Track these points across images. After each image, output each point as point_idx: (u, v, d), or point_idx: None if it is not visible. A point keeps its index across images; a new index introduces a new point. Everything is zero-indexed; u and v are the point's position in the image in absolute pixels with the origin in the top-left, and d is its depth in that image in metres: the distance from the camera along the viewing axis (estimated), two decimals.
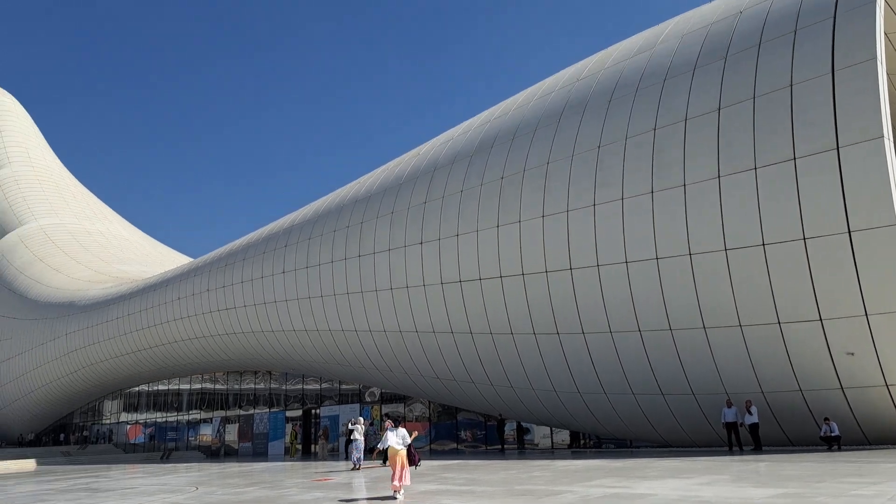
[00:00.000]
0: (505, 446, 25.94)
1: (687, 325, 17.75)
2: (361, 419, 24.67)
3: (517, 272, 21.17)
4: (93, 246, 68.58)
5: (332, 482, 16.02)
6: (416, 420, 30.71)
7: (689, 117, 17.95)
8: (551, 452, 23.98)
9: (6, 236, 68.65)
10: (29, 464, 38.05)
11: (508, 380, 22.85)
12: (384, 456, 23.67)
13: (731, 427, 18.09)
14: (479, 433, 28.23)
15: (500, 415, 25.23)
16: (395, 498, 12.23)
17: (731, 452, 17.77)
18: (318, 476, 18.16)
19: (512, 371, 22.48)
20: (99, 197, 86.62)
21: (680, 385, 18.49)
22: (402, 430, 13.90)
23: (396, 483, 12.46)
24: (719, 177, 17.13)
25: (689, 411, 18.88)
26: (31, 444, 57.43)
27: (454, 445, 28.78)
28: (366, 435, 23.86)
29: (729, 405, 18.02)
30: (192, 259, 52.12)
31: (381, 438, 21.17)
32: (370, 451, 21.39)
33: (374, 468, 21.02)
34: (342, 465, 23.76)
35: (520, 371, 22.20)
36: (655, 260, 17.99)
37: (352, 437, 22.83)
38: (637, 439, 21.86)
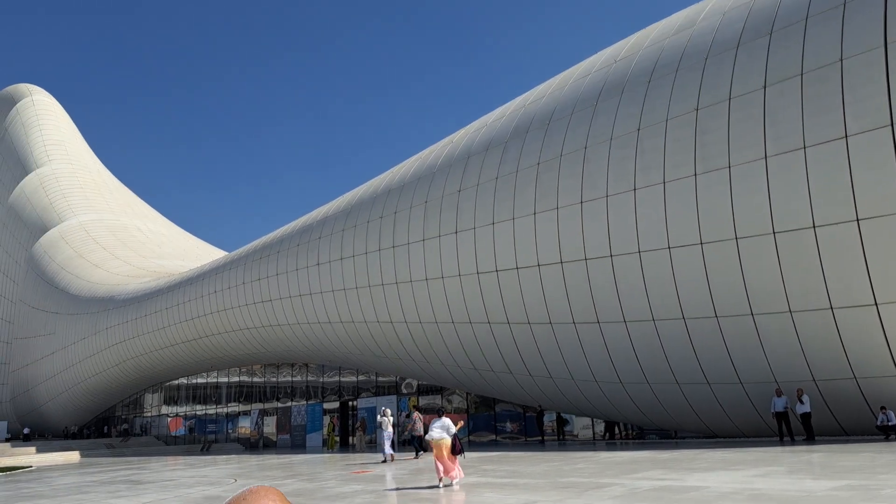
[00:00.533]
0: (545, 438, 25.56)
1: (734, 312, 17.15)
2: (388, 411, 24.37)
3: (555, 260, 20.71)
4: (131, 241, 69.67)
5: (371, 475, 15.84)
6: (454, 412, 30.47)
7: (732, 96, 17.28)
8: (592, 444, 23.54)
9: (48, 233, 70.06)
10: (73, 455, 38.80)
11: (547, 370, 22.44)
12: (416, 447, 23.65)
13: (782, 417, 17.46)
14: (518, 424, 27.89)
15: (540, 406, 24.84)
16: (439, 487, 12.30)
17: (781, 443, 17.17)
18: (356, 468, 18.01)
19: (551, 361, 22.06)
20: (135, 193, 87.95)
21: (727, 374, 17.90)
22: (447, 420, 13.89)
23: (445, 472, 12.58)
24: (766, 157, 16.46)
25: (736, 401, 18.29)
26: (74, 436, 58.68)
27: (493, 437, 28.48)
28: (395, 426, 23.87)
29: (779, 394, 17.38)
30: (227, 253, 52.52)
31: (410, 429, 21.20)
32: (406, 443, 21.47)
33: (408, 460, 20.85)
34: (380, 456, 23.62)
35: (559, 361, 21.77)
36: (700, 245, 17.40)
37: (382, 429, 22.90)
38: (682, 429, 21.31)
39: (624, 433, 24.76)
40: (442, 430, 13.39)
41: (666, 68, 19.17)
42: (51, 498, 15.32)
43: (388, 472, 16.29)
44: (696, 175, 17.56)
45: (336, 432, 34.76)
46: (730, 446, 16.88)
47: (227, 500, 1.57)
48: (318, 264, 30.59)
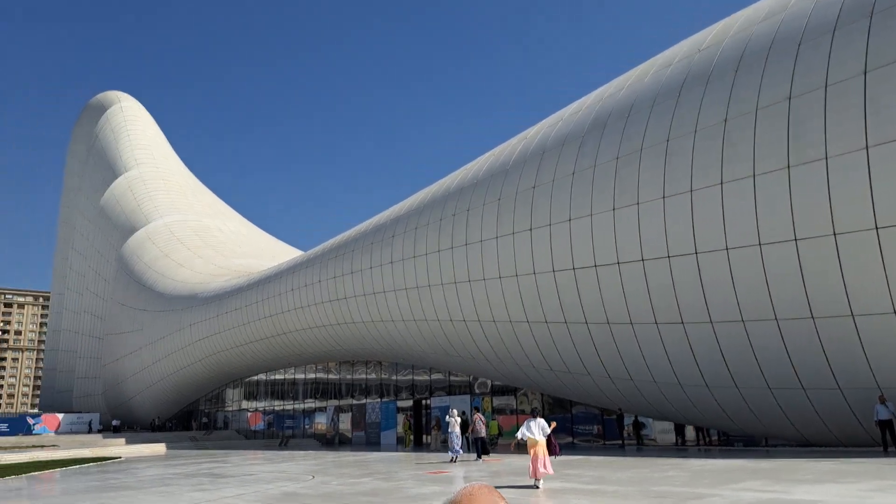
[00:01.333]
0: (625, 442, 24.78)
1: (832, 313, 16.07)
2: (454, 411, 24.77)
3: (636, 258, 19.97)
4: (213, 241, 71.97)
5: (448, 475, 15.58)
6: (529, 414, 29.97)
7: (829, 83, 16.18)
8: (676, 449, 22.63)
9: (135, 234, 73.15)
10: (160, 447, 40.22)
11: (627, 372, 21.69)
12: (478, 450, 23.21)
13: (886, 425, 16.24)
14: (594, 427, 27.16)
15: (620, 409, 24.04)
16: (537, 487, 12.38)
17: (885, 453, 15.96)
18: (431, 468, 17.81)
19: (631, 363, 21.30)
20: (217, 195, 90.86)
21: (824, 379, 16.80)
22: (541, 421, 14.18)
23: (542, 469, 12.80)
24: (867, 147, 15.33)
25: (834, 407, 17.14)
26: (159, 428, 61.05)
27: (569, 440, 27.83)
28: (463, 426, 23.75)
29: (882, 401, 16.18)
30: (304, 252, 53.47)
31: (471, 431, 21.09)
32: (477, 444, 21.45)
33: (472, 462, 20.58)
34: (448, 456, 23.46)
35: (640, 363, 20.99)
36: (794, 241, 16.38)
37: (449, 429, 23.40)
38: (772, 437, 20.20)
39: (707, 439, 23.76)
40: (538, 430, 13.65)
41: (755, 56, 18.15)
42: (136, 489, 15.74)
43: (464, 473, 15.96)
44: (789, 167, 16.54)
45: (411, 430, 34.76)
46: (829, 456, 15.80)
47: (449, 499, 1.54)
48: (392, 262, 30.63)
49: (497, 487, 11.05)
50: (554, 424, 15.51)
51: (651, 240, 19.55)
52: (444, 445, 29.71)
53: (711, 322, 18.48)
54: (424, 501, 10.90)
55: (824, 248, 15.87)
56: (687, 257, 18.64)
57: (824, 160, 15.89)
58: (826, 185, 15.78)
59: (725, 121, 18.12)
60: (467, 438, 24.11)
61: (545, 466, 12.93)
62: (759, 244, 17.05)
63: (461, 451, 23.33)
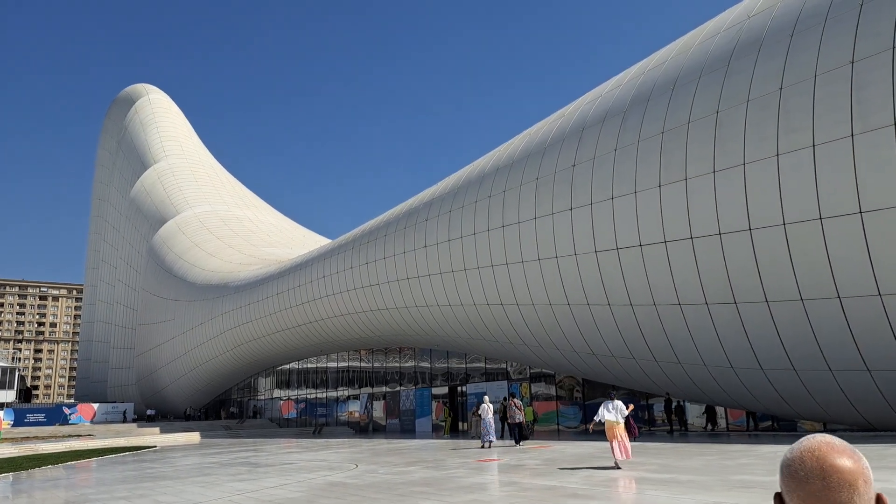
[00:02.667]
0: (673, 428, 23.97)
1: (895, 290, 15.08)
2: (487, 398, 24.48)
3: (685, 235, 19.07)
4: (242, 231, 72.05)
5: (498, 462, 14.92)
6: (561, 399, 29.25)
7: None
8: (727, 435, 21.77)
9: (166, 224, 73.50)
10: (194, 436, 40.23)
11: (675, 355, 20.84)
12: (516, 436, 22.71)
13: None
14: (638, 413, 26.36)
15: (668, 394, 23.18)
16: (619, 468, 12.59)
17: None
18: (479, 456, 17.16)
19: (679, 346, 20.45)
20: (245, 185, 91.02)
21: (890, 359, 15.82)
22: (619, 403, 14.32)
23: (619, 455, 13.06)
24: None
25: None
26: (189, 417, 61.41)
27: None
28: (496, 412, 23.42)
29: None
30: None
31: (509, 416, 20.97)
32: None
33: (510, 447, 19.97)
34: (498, 443, 22.85)
35: (689, 345, 20.14)
36: (859, 214, 15.39)
37: (482, 416, 23.16)
38: (832, 421, 19.25)
39: (754, 425, 22.95)
40: (615, 413, 13.78)
41: (813, 19, 17.09)
42: (174, 479, 15.36)
43: (514, 460, 15.24)
44: (853, 136, 15.52)
45: (450, 417, 34.11)
46: None
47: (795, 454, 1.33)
48: (426, 246, 30.00)
49: (568, 469, 10.34)
50: (631, 407, 15.39)
51: (701, 216, 18.64)
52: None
53: (767, 302, 17.57)
54: (482, 491, 10.26)
55: (893, 221, 14.87)
56: (740, 234, 17.72)
57: (893, 126, 14.86)
58: (895, 154, 14.76)
59: (780, 89, 17.11)
60: (508, 425, 23.56)
61: (624, 450, 13.12)
62: (820, 218, 16.09)
63: (495, 438, 23.07)
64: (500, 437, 26.83)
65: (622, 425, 13.75)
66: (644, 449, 16.54)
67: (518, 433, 23.19)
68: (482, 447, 21.84)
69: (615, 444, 13.49)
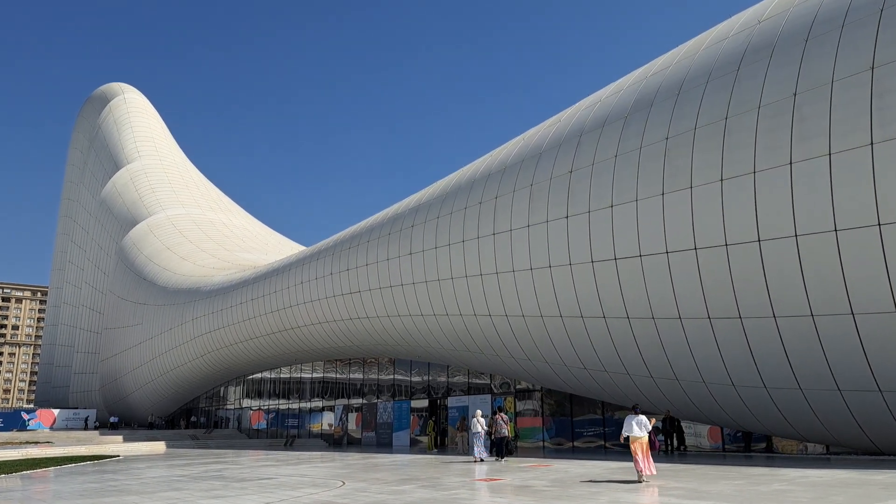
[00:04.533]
0: (673, 447, 23.10)
1: None
2: (479, 412, 23.90)
3: (688, 246, 18.25)
4: (216, 235, 70.31)
5: (503, 482, 13.76)
6: (537, 414, 28.27)
7: None
8: (723, 456, 20.92)
9: (136, 226, 71.46)
10: (159, 446, 38.48)
11: (674, 371, 19.97)
12: (500, 451, 22.01)
13: None
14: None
15: (668, 411, 22.20)
16: (641, 481, 12.94)
17: None
18: (477, 474, 15.97)
19: (678, 362, 19.58)
20: (221, 189, 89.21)
21: None
22: (642, 418, 14.46)
23: (643, 468, 13.37)
24: None
25: None
26: (152, 426, 59.30)
27: (601, 443, 26.15)
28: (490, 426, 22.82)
29: None
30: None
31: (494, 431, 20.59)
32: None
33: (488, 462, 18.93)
34: (490, 459, 21.79)
35: (688, 362, 19.27)
36: (878, 227, 14.68)
37: (473, 431, 22.83)
38: (837, 443, 18.50)
39: (749, 446, 22.22)
40: (639, 427, 14.11)
41: (829, 23, 16.45)
42: (139, 494, 14.03)
43: (526, 482, 13.98)
44: (872, 144, 14.84)
45: (435, 431, 32.77)
46: None
47: None
48: (411, 254, 28.92)
49: (593, 482, 9.28)
50: (654, 421, 15.66)
51: (706, 227, 17.84)
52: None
53: (774, 317, 16.78)
54: None
55: None
56: (748, 246, 16.93)
57: None
58: None
59: (795, 94, 16.42)
60: (492, 440, 22.59)
61: (647, 465, 13.44)
62: (835, 230, 15.35)
63: (486, 454, 22.30)
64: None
65: (645, 439, 14.04)
66: (660, 471, 15.48)
67: (504, 448, 22.36)
68: (475, 462, 21.44)
69: (639, 458, 13.78)
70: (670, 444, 23.06)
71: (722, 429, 22.85)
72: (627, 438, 14.48)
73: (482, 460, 21.94)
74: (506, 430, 22.56)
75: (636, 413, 15.07)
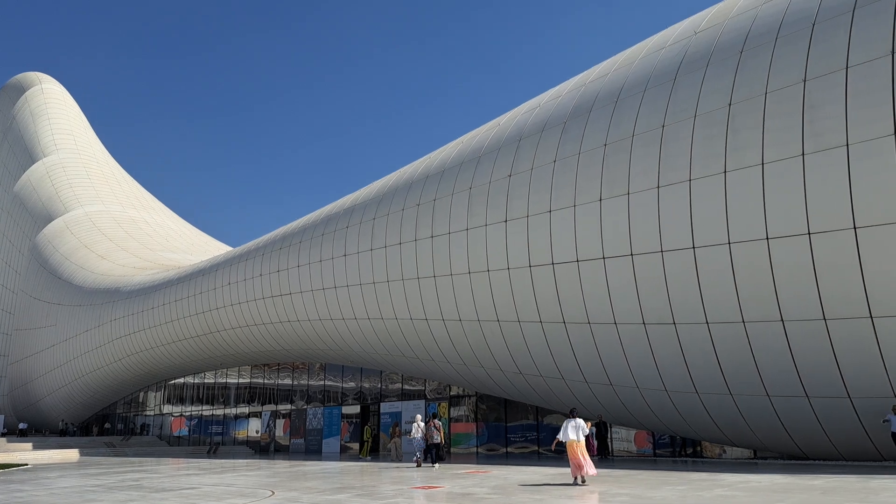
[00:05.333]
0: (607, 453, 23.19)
1: (845, 315, 14.79)
2: (419, 416, 24.18)
3: (625, 252, 18.36)
4: (138, 234, 67.49)
5: (442, 490, 13.34)
6: (470, 420, 28.10)
7: (851, 65, 14.95)
8: (653, 461, 21.14)
9: (52, 223, 67.90)
10: (72, 454, 36.45)
11: (608, 377, 20.07)
12: (433, 456, 21.92)
13: None
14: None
15: (601, 416, 22.29)
16: (577, 484, 13.39)
17: None
18: (414, 482, 15.51)
19: (613, 367, 19.68)
20: (143, 185, 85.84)
21: (832, 386, 15.52)
22: (580, 421, 14.68)
23: (584, 469, 13.65)
24: None
25: (839, 417, 15.89)
26: (64, 433, 56.30)
27: (534, 448, 26.10)
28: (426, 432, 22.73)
29: None
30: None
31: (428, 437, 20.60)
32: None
33: (423, 469, 18.58)
34: (422, 468, 21.32)
35: (623, 367, 19.39)
36: (807, 235, 15.05)
37: (412, 435, 23.04)
38: (765, 449, 18.93)
39: (679, 450, 22.59)
40: (576, 430, 14.29)
41: (762, 37, 16.84)
42: None
43: (467, 489, 13.61)
44: (803, 155, 15.22)
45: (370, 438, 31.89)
46: (863, 472, 14.35)
47: None
48: (346, 255, 28.29)
49: (534, 488, 9.00)
50: (590, 424, 16.24)
51: (642, 233, 17.99)
52: (408, 455, 27.27)
53: (707, 323, 17.03)
54: None
55: (843, 242, 14.59)
56: (683, 252, 17.14)
57: (845, 147, 14.63)
58: (847, 174, 14.51)
59: (730, 105, 16.75)
60: (427, 445, 22.30)
61: (586, 465, 13.69)
62: (767, 238, 15.68)
63: (421, 458, 22.51)
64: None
65: (583, 443, 14.17)
66: (603, 476, 15.39)
67: (435, 454, 22.11)
68: (417, 466, 21.82)
69: (575, 462, 13.99)
70: (605, 448, 23.18)
71: (654, 434, 23.15)
72: (563, 443, 14.57)
73: (420, 465, 21.99)
74: (438, 437, 22.29)
75: (573, 417, 15.12)
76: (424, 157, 28.11)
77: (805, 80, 15.56)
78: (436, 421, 22.64)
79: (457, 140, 26.84)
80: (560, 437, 14.77)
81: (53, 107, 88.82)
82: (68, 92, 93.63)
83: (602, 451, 22.97)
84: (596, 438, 22.49)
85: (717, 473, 14.92)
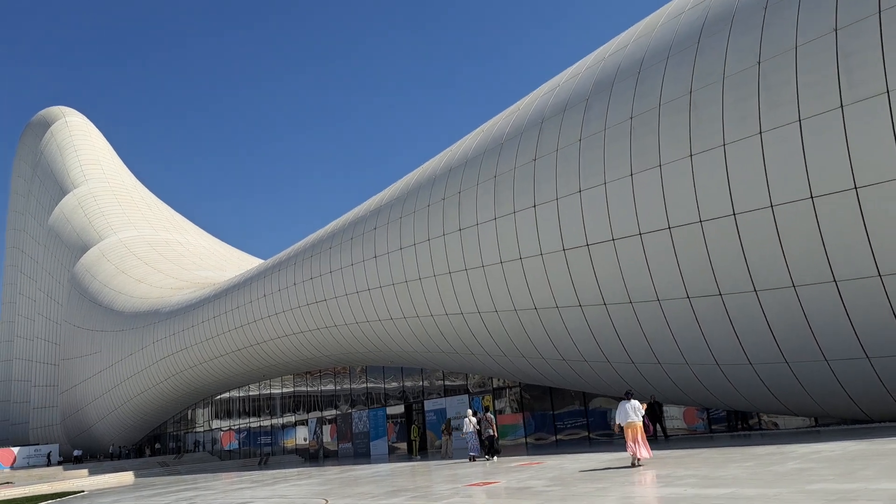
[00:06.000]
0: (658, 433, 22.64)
1: (893, 270, 14.09)
2: (470, 412, 23.74)
3: (661, 226, 17.78)
4: (171, 255, 68.30)
5: (499, 486, 12.96)
6: (516, 411, 27.69)
7: (883, 8, 14.22)
8: (710, 438, 20.53)
9: (88, 252, 69.04)
10: (127, 476, 36.86)
11: (655, 355, 19.51)
12: (489, 449, 21.77)
13: None
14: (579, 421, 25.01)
15: (653, 397, 21.65)
16: (635, 465, 13.54)
17: None
18: (469, 479, 15.17)
19: (659, 345, 19.12)
20: (171, 206, 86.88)
21: (893, 345, 14.80)
22: (636, 403, 14.74)
23: (638, 452, 13.85)
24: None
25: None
26: (114, 456, 57.16)
27: (584, 434, 25.62)
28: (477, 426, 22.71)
29: None
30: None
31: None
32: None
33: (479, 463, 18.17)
34: (465, 462, 21.00)
35: (670, 344, 18.82)
36: (854, 191, 14.35)
37: (464, 431, 23.01)
38: (825, 415, 18.24)
39: (735, 424, 21.95)
40: (633, 412, 14.38)
41: None
42: None
43: (523, 483, 13.16)
44: (842, 106, 14.52)
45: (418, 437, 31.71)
46: None
47: None
48: (376, 257, 28.06)
49: (594, 476, 8.63)
50: (646, 405, 15.88)
51: (678, 204, 17.39)
52: (459, 451, 26.95)
53: (756, 291, 16.40)
54: None
55: (893, 193, 13.88)
56: (723, 220, 16.51)
57: (886, 94, 13.90)
58: (891, 122, 13.79)
59: (759, 63, 16.06)
60: (481, 440, 22.23)
61: (641, 448, 13.84)
62: (811, 197, 15.00)
63: (477, 453, 22.68)
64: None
65: (640, 425, 14.28)
66: (660, 458, 14.90)
67: (490, 447, 21.92)
68: (472, 461, 21.77)
69: (631, 444, 14.11)
70: (656, 429, 22.62)
71: (708, 410, 22.52)
72: (621, 427, 14.59)
73: (475, 458, 22.12)
74: (491, 430, 22.16)
75: (629, 398, 15.12)
76: (445, 150, 27.75)
77: (837, 30, 14.83)
78: (488, 414, 22.65)
79: (477, 130, 26.42)
80: (617, 419, 14.88)
81: (79, 138, 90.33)
82: (92, 122, 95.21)
83: (656, 432, 22.43)
84: (651, 419, 21.88)
85: (783, 445, 14.31)
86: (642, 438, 14.13)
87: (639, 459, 13.99)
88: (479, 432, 22.23)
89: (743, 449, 15.01)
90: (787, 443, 15.03)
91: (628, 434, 14.28)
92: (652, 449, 14.96)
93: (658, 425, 22.50)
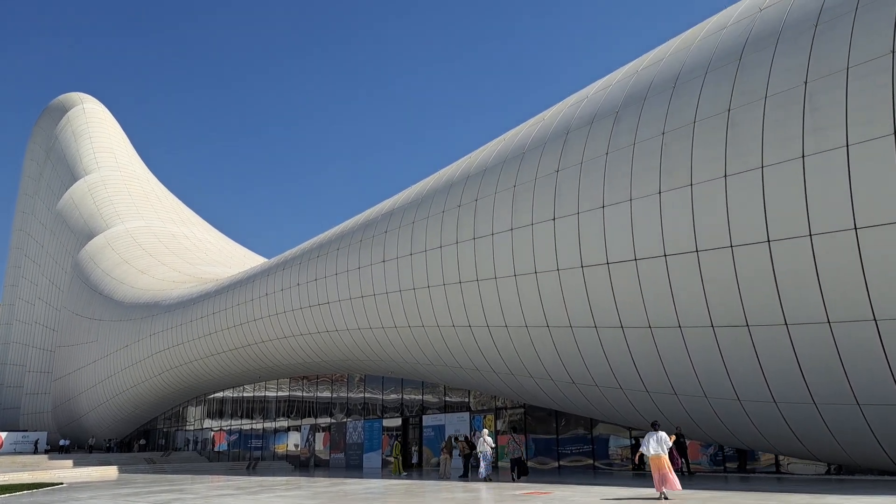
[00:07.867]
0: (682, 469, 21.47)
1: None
2: (486, 430, 23.59)
3: (688, 249, 16.80)
4: (177, 248, 67.61)
5: None
6: (519, 432, 26.56)
7: None
8: (724, 479, 19.40)
9: (93, 239, 68.41)
10: (111, 471, 35.84)
11: (672, 386, 18.45)
12: (517, 470, 20.98)
13: None
14: (584, 448, 23.88)
15: (678, 428, 20.30)
16: (666, 498, 13.25)
17: None
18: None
19: (677, 375, 18.07)
20: (183, 201, 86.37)
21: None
22: (662, 434, 14.24)
23: (665, 485, 13.52)
24: None
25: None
26: (93, 449, 56.18)
27: (590, 461, 24.48)
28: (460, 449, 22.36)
29: None
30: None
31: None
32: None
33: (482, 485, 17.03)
34: (481, 485, 19.93)
35: (689, 375, 17.77)
36: None
37: (481, 450, 22.57)
38: (850, 463, 17.11)
39: (738, 465, 20.80)
40: (659, 444, 13.96)
41: (840, 7, 15.23)
42: None
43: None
44: (895, 134, 13.56)
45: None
46: None
47: None
48: (384, 261, 27.13)
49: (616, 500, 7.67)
50: (673, 437, 15.18)
51: (708, 227, 16.42)
52: (455, 472, 25.77)
53: (787, 324, 15.37)
54: None
55: None
56: (756, 247, 15.52)
57: None
58: None
59: (805, 83, 15.13)
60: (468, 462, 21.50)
61: (669, 482, 13.50)
62: (855, 228, 14.01)
63: (486, 472, 22.42)
64: (464, 475, 23.92)
65: (666, 457, 13.87)
66: (688, 497, 13.85)
67: (518, 470, 21.64)
68: (485, 480, 21.67)
69: (658, 477, 13.77)
70: (682, 464, 21.41)
71: (720, 446, 21.38)
72: (643, 457, 14.58)
73: (489, 479, 22.02)
74: (520, 451, 22.28)
75: (656, 430, 14.73)
76: (465, 157, 26.88)
77: (893, 52, 13.90)
78: (514, 435, 22.32)
79: (498, 138, 25.55)
80: (643, 450, 14.55)
81: (95, 126, 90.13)
82: (109, 111, 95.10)
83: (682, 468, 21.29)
84: (678, 452, 20.63)
85: (818, 495, 13.19)
86: (669, 470, 13.80)
87: (664, 495, 13.60)
88: (466, 456, 21.88)
89: (771, 495, 13.91)
90: (820, 492, 13.94)
91: (655, 466, 13.91)
92: (698, 488, 14.28)
93: (682, 459, 21.33)
